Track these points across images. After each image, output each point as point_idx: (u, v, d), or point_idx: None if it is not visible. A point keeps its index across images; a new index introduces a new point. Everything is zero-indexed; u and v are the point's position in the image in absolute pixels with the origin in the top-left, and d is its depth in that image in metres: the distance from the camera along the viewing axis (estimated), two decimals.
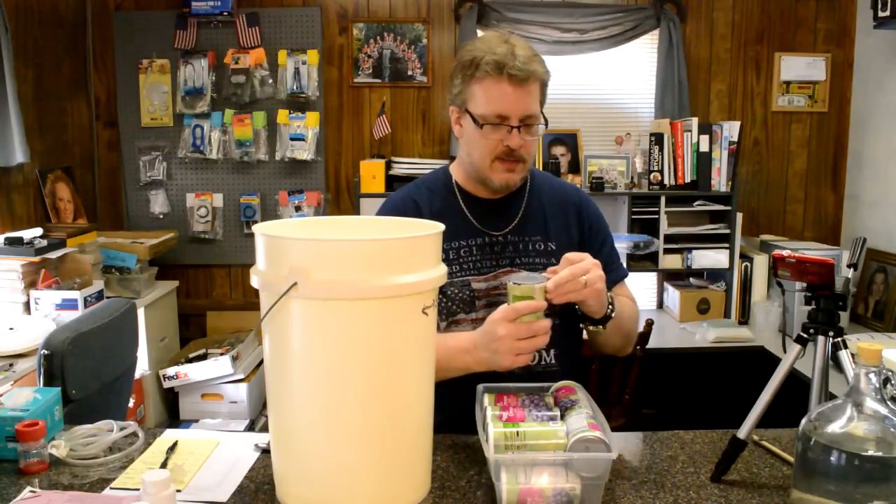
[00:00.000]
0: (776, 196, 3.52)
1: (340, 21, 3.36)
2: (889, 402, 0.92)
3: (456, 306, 1.45)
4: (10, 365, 2.11)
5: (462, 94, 1.42)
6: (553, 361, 1.48)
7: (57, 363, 1.67)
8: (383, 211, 1.54)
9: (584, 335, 1.49)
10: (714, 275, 3.26)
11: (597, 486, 1.03)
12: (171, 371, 3.01)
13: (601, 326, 1.36)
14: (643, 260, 3.17)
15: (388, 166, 3.20)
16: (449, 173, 1.56)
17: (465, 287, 1.46)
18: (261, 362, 3.05)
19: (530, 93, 1.39)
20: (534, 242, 1.50)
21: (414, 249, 1.02)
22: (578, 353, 1.59)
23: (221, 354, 3.03)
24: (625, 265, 1.64)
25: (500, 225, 1.50)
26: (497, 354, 1.23)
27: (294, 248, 0.98)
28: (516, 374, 1.45)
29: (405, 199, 1.53)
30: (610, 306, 1.35)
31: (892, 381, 1.08)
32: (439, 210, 1.49)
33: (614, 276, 1.54)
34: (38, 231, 2.71)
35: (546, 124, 1.45)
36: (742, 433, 1.13)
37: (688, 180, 3.13)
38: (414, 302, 1.01)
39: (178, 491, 1.10)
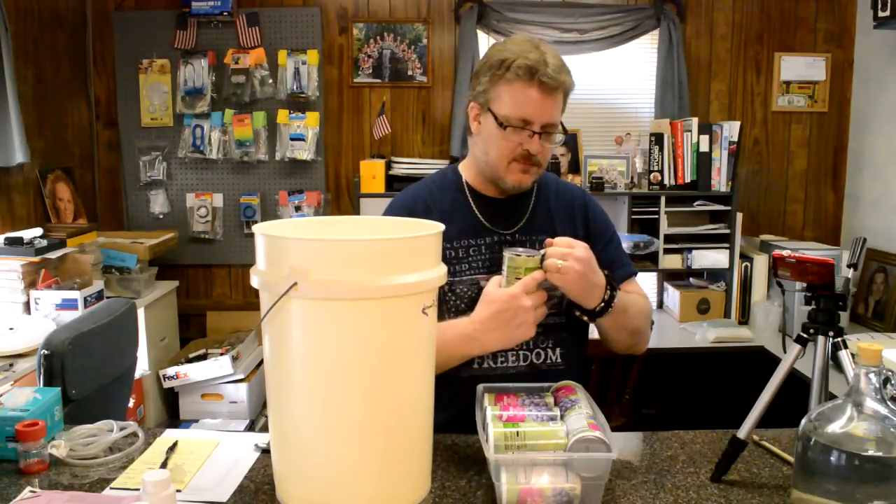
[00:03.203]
0: (776, 196, 3.52)
1: (340, 21, 3.36)
2: (889, 402, 0.92)
3: (464, 304, 1.45)
4: (10, 365, 2.12)
5: (487, 92, 1.43)
6: (559, 360, 1.48)
7: (57, 363, 1.67)
8: (392, 209, 1.54)
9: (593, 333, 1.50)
10: (714, 275, 3.26)
11: (597, 486, 1.03)
12: (171, 371, 3.01)
13: (597, 319, 1.36)
14: (643, 260, 3.16)
15: (388, 166, 3.21)
16: (458, 172, 1.56)
17: (474, 285, 1.46)
18: (261, 362, 3.05)
19: (556, 102, 1.41)
20: (541, 242, 1.50)
21: (414, 249, 1.02)
22: (584, 351, 1.59)
23: (221, 354, 3.03)
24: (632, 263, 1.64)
25: (509, 224, 1.51)
26: (522, 327, 1.26)
27: (294, 248, 0.98)
28: (523, 373, 1.46)
29: (415, 197, 1.54)
30: (606, 299, 1.34)
31: (892, 381, 1.08)
32: (449, 209, 1.50)
33: (622, 273, 1.55)
34: (38, 231, 2.71)
35: (565, 133, 1.46)
36: (742, 433, 1.13)
37: (688, 180, 3.13)
38: (414, 302, 1.01)
39: (178, 491, 1.10)
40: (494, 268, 1.47)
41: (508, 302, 1.25)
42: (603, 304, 1.33)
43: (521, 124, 1.39)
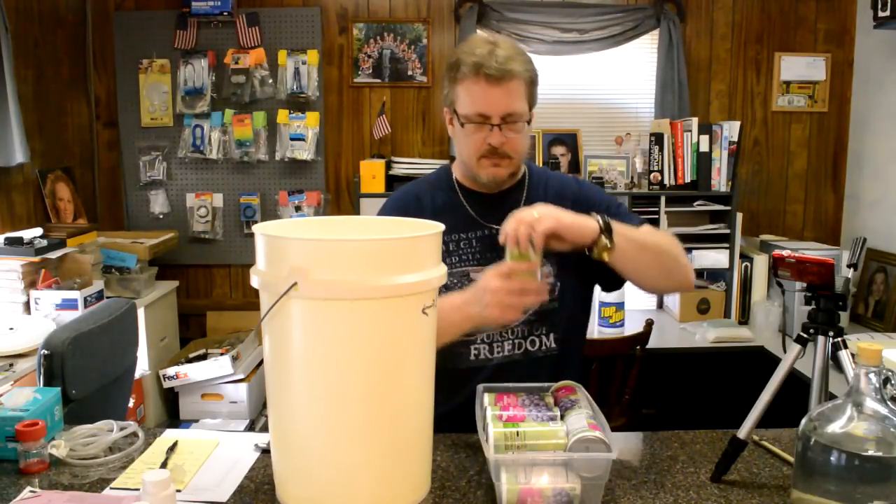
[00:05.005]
0: (776, 196, 3.51)
1: (340, 21, 3.36)
2: (889, 402, 0.92)
3: None
4: (10, 365, 2.12)
5: (450, 95, 1.47)
6: (554, 346, 1.49)
7: (57, 363, 1.67)
8: (386, 207, 1.56)
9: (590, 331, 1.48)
10: (714, 275, 3.26)
11: (597, 486, 1.03)
12: (171, 371, 3.01)
13: (605, 253, 1.31)
14: None
15: (388, 166, 3.20)
16: (450, 170, 1.59)
17: (464, 277, 1.48)
18: (261, 362, 3.05)
19: (510, 91, 1.41)
20: None
21: (414, 249, 1.02)
22: (582, 339, 1.60)
23: (221, 354, 3.03)
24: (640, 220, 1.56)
25: (501, 218, 1.50)
26: (487, 308, 1.26)
27: (294, 248, 0.98)
28: (518, 361, 1.47)
29: (407, 194, 1.57)
30: (602, 226, 1.30)
31: (892, 381, 1.08)
32: (441, 205, 1.52)
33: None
34: (38, 231, 2.71)
35: (529, 122, 1.45)
36: (742, 433, 1.13)
37: (688, 180, 3.13)
38: (414, 302, 1.01)
39: (178, 491, 1.10)
40: (485, 260, 1.48)
41: (480, 281, 1.28)
42: (602, 230, 1.30)
43: (480, 119, 1.42)
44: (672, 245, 1.45)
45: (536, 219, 1.25)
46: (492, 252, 1.48)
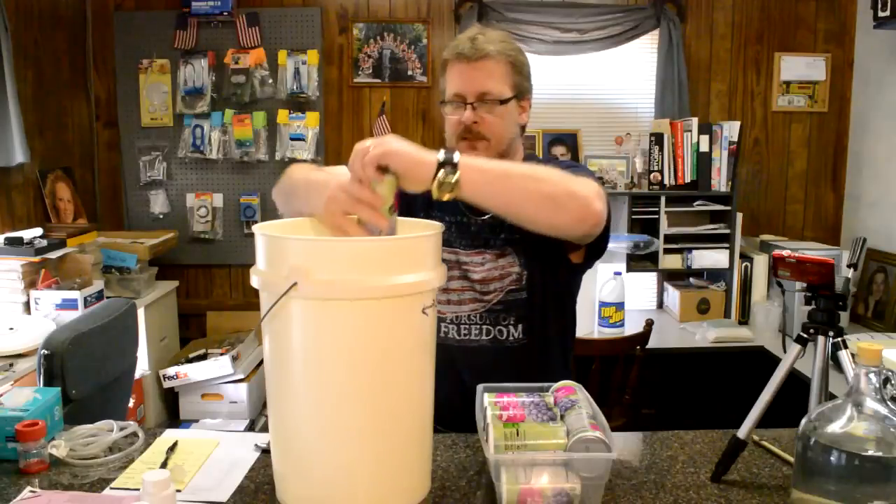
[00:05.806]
0: (776, 196, 3.51)
1: (340, 21, 3.36)
2: (889, 402, 0.92)
3: None
4: (10, 365, 2.12)
5: (441, 86, 1.51)
6: (522, 336, 1.49)
7: (57, 363, 1.67)
8: None
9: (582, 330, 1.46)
10: (714, 275, 3.26)
11: (597, 486, 1.03)
12: (171, 371, 3.01)
13: (449, 190, 1.16)
14: (643, 260, 3.16)
15: None
16: None
17: None
18: (261, 362, 3.05)
19: (485, 70, 1.42)
20: (507, 226, 1.51)
21: (414, 249, 1.02)
22: (560, 329, 1.56)
23: (221, 354, 3.03)
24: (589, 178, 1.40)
25: (483, 212, 1.51)
26: (321, 207, 1.14)
27: (294, 248, 0.98)
28: (486, 347, 1.47)
29: None
30: (444, 165, 1.17)
31: (892, 381, 1.08)
32: None
33: None
34: (38, 231, 2.71)
35: (505, 102, 1.42)
36: (742, 433, 1.13)
37: (688, 180, 3.13)
38: (414, 302, 1.01)
39: (178, 491, 1.10)
40: (459, 245, 1.51)
41: (336, 182, 1.14)
42: (443, 163, 1.17)
43: (456, 99, 1.44)
44: (556, 173, 1.22)
45: (367, 147, 1.11)
46: (467, 239, 1.51)
